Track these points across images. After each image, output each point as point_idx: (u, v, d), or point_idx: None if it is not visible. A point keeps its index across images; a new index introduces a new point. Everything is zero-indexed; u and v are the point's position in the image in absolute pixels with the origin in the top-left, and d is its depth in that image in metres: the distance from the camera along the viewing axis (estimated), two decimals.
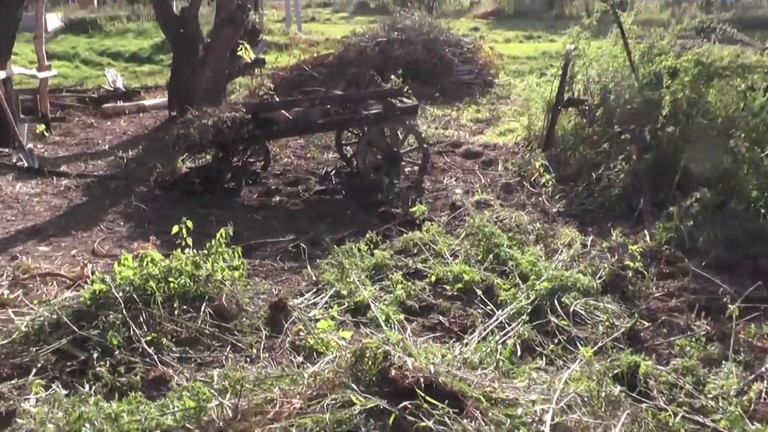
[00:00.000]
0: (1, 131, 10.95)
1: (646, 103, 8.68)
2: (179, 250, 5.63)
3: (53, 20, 26.98)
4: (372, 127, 9.11)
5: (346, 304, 5.58)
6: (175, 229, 5.81)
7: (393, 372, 3.64)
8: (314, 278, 6.19)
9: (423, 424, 3.40)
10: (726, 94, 8.58)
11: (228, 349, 4.96)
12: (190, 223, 5.78)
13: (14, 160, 10.51)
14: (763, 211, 7.16)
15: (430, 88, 15.50)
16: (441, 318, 5.46)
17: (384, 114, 9.12)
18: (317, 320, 5.21)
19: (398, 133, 9.35)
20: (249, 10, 14.43)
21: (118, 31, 27.18)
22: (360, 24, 25.72)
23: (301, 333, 5.06)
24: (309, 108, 9.48)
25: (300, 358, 4.74)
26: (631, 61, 9.22)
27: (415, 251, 6.71)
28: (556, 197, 8.31)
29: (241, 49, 13.25)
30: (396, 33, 17.43)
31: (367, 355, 3.82)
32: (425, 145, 9.46)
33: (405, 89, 10.27)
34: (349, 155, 10.07)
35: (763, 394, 4.36)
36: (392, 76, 11.01)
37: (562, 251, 6.50)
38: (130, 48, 23.54)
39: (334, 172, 9.82)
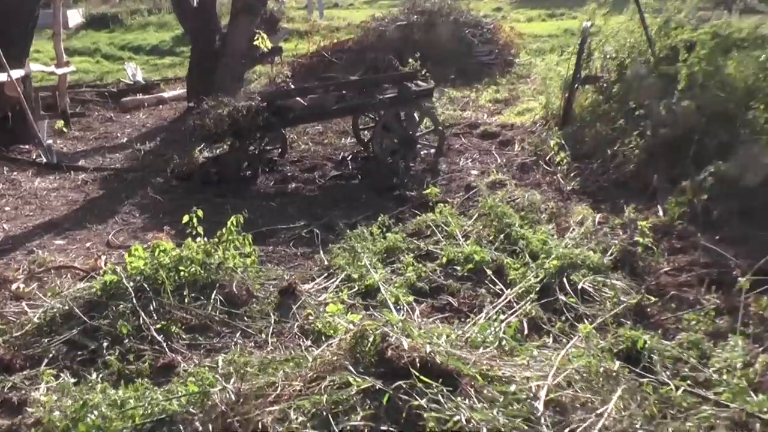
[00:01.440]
0: (20, 128, 11.07)
1: (662, 78, 8.58)
2: (191, 239, 5.69)
3: (74, 16, 27.05)
4: (387, 111, 9.09)
5: (357, 288, 5.60)
6: (186, 218, 5.86)
7: (389, 353, 3.67)
8: (326, 263, 6.22)
9: (416, 402, 3.41)
10: (745, 66, 8.46)
11: (238, 335, 5.02)
12: (201, 212, 5.85)
13: (34, 157, 10.64)
14: None
15: (450, 70, 15.45)
16: (450, 299, 5.46)
17: (399, 98, 9.09)
18: (327, 304, 5.25)
19: (414, 116, 9.32)
20: None
21: (139, 25, 27.26)
22: (383, 8, 25.65)
23: (311, 317, 5.09)
24: (324, 94, 9.49)
25: (308, 342, 4.77)
26: (648, 36, 9.13)
27: (428, 233, 6.73)
28: (571, 175, 8.23)
29: (258, 39, 13.28)
30: (416, 16, 17.36)
31: (368, 336, 3.84)
32: (441, 128, 9.44)
33: (422, 72, 10.27)
34: (366, 140, 10.07)
35: None
36: (410, 60, 11.00)
37: (573, 229, 6.48)
38: (151, 41, 23.62)
39: (350, 157, 9.83)
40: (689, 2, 9.77)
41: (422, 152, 9.53)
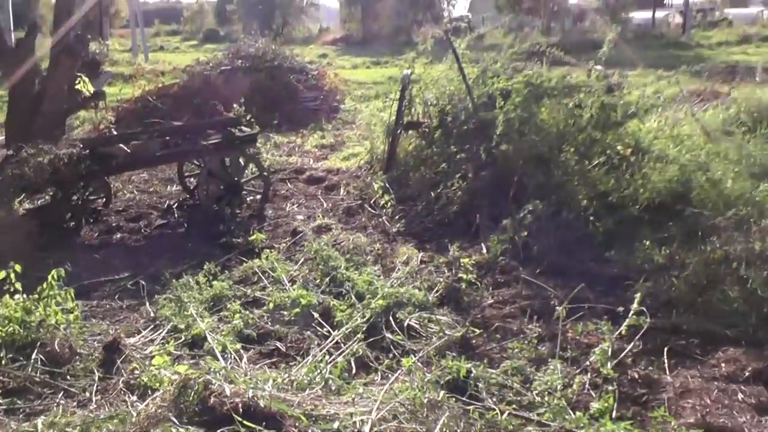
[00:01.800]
0: None
1: (481, 124, 8.99)
2: (8, 296, 5.45)
3: None
4: (212, 157, 9.01)
5: (184, 338, 5.50)
6: (2, 274, 5.60)
7: (212, 400, 3.66)
8: (152, 315, 6.08)
9: None
10: (556, 113, 9.03)
11: (60, 395, 4.78)
12: (18, 267, 5.59)
13: None
14: (592, 218, 7.56)
15: (275, 116, 15.56)
16: (278, 344, 5.46)
17: (223, 143, 9.05)
18: (153, 357, 5.12)
19: (239, 162, 9.30)
20: (89, 40, 14.09)
21: None
22: (208, 52, 25.55)
23: (136, 371, 4.95)
24: (148, 140, 9.31)
25: (134, 398, 4.63)
26: (467, 84, 9.52)
27: (255, 279, 6.72)
28: (397, 217, 8.47)
29: (80, 82, 12.91)
30: (240, 61, 17.39)
31: (191, 386, 3.81)
32: (266, 173, 9.47)
33: (247, 117, 10.29)
34: (192, 187, 9.93)
35: (587, 386, 4.69)
36: (235, 105, 11.00)
37: (399, 269, 6.67)
38: None
39: (176, 205, 9.66)
40: (504, 54, 10.32)
41: (248, 198, 9.51)
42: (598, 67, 10.04)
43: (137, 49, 29.85)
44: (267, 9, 59.04)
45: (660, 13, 56.39)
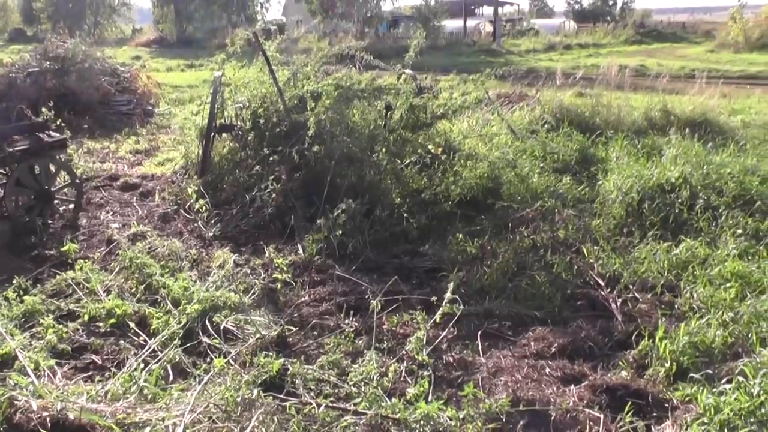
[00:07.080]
0: None
1: (294, 126, 9.12)
2: None
3: None
4: (20, 164, 8.56)
5: None
6: None
7: (18, 416, 3.60)
8: None
9: None
10: (367, 114, 9.28)
11: None
12: None
13: None
14: (405, 215, 7.86)
15: (88, 120, 15.07)
16: (94, 357, 5.36)
17: (32, 150, 8.64)
18: None
19: (50, 169, 8.92)
20: None
21: None
22: (14, 53, 24.40)
23: None
24: None
25: None
26: (278, 87, 9.59)
27: (69, 292, 6.50)
28: (212, 222, 8.42)
29: None
30: (49, 62, 16.65)
31: None
32: (79, 181, 9.14)
33: (57, 122, 9.91)
34: None
35: (403, 373, 4.95)
36: (43, 109, 10.57)
37: (215, 273, 6.68)
38: None
39: None
40: (314, 57, 10.46)
41: (60, 208, 9.15)
42: (408, 71, 10.40)
43: None
44: (77, 8, 56.90)
45: (471, 22, 58.58)
